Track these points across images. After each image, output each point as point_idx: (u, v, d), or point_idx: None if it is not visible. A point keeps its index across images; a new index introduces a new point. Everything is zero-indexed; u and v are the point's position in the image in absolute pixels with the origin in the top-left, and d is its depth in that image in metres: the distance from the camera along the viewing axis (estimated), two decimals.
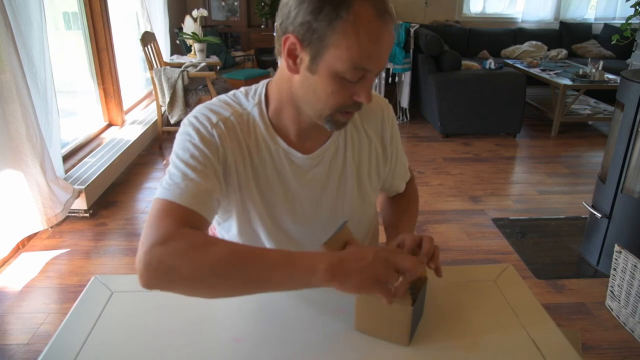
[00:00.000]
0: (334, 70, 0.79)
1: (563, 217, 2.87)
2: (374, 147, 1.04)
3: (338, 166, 1.00)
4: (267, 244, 1.01)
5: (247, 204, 0.96)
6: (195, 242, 0.73)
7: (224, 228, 1.02)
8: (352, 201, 1.02)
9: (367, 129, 1.03)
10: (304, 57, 0.81)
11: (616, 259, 1.97)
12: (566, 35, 6.07)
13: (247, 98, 0.96)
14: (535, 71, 4.72)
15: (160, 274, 0.71)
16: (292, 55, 0.82)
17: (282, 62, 0.86)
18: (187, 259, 0.71)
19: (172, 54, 4.92)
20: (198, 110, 0.92)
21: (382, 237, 1.14)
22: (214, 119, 0.89)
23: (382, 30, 0.78)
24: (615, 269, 1.98)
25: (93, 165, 3.01)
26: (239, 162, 0.91)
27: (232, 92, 0.98)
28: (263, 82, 0.97)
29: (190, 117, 0.91)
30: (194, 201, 0.79)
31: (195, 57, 4.52)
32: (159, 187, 0.83)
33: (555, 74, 4.58)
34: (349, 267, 0.70)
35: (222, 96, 0.97)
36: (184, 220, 0.77)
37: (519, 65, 5.01)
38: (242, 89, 0.98)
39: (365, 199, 1.05)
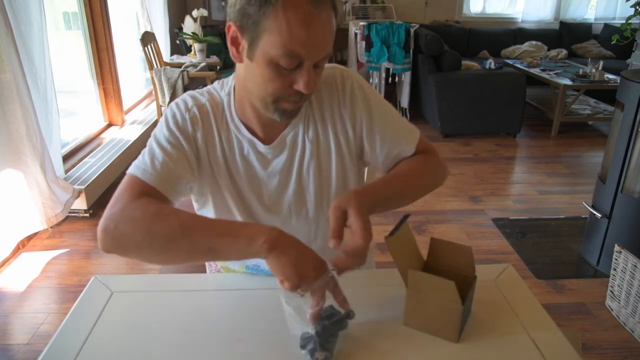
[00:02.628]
0: (269, 57, 0.78)
1: (563, 217, 2.87)
2: (332, 123, 0.98)
3: (298, 151, 0.98)
4: None
5: (222, 187, 0.99)
6: (148, 212, 0.80)
7: (203, 214, 1.05)
8: (315, 186, 1.00)
9: (322, 104, 0.98)
10: (244, 44, 0.82)
11: (616, 259, 1.97)
12: (566, 35, 6.07)
13: (221, 89, 0.99)
14: (535, 71, 4.72)
15: (116, 239, 0.80)
16: (234, 43, 0.83)
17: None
18: (140, 227, 0.79)
19: (172, 54, 4.92)
20: (182, 96, 0.98)
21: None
22: (190, 104, 0.95)
23: (314, 16, 0.76)
24: (615, 269, 1.98)
25: (93, 165, 3.00)
26: (210, 147, 0.96)
27: (215, 82, 1.02)
28: (235, 74, 0.97)
29: (174, 102, 0.97)
30: (157, 181, 0.86)
31: (195, 57, 4.53)
32: (137, 159, 0.91)
33: (555, 74, 4.58)
34: (286, 250, 0.75)
35: (208, 86, 1.01)
36: (145, 195, 0.84)
37: (519, 65, 5.01)
38: (221, 80, 1.01)
39: (329, 182, 1.01)
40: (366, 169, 1.28)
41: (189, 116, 0.94)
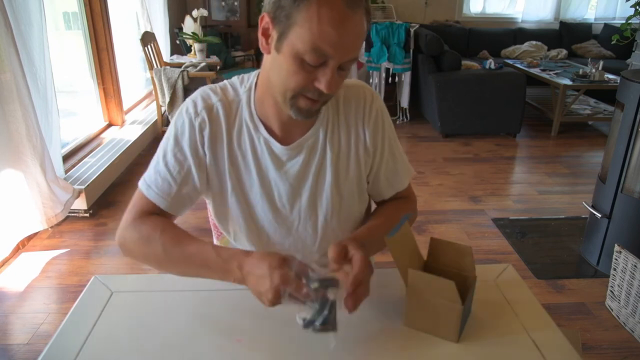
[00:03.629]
0: (296, 50, 0.79)
1: (563, 217, 2.87)
2: (355, 137, 0.99)
3: (317, 157, 0.98)
4: (242, 238, 1.04)
5: (227, 190, 0.99)
6: (141, 235, 0.91)
7: (209, 210, 1.10)
8: (330, 195, 0.99)
9: (348, 116, 0.99)
10: (274, 36, 0.82)
11: (616, 259, 1.97)
12: (566, 35, 6.07)
13: (242, 84, 0.98)
14: (535, 71, 4.72)
15: (126, 252, 0.95)
16: (265, 34, 0.84)
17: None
18: (137, 248, 0.92)
19: (172, 54, 4.92)
20: (194, 94, 0.99)
21: None
22: (200, 107, 0.95)
23: (347, 18, 0.76)
24: (615, 269, 1.98)
25: (93, 165, 3.00)
26: (219, 150, 0.96)
27: (235, 76, 1.01)
28: (257, 71, 0.97)
29: (185, 102, 0.98)
30: (160, 200, 0.94)
31: (195, 57, 4.53)
32: (146, 170, 0.97)
33: (555, 74, 4.58)
34: (249, 286, 0.80)
35: (226, 81, 1.01)
36: (149, 212, 0.95)
37: (519, 65, 5.01)
38: (241, 75, 1.01)
39: (343, 193, 1.01)
40: None
41: (198, 122, 0.94)
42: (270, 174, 0.98)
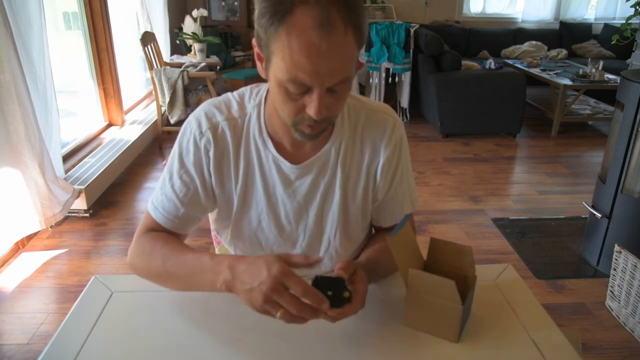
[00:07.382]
0: (279, 80, 0.76)
1: (563, 217, 2.87)
2: (369, 161, 0.97)
3: (327, 177, 0.95)
4: (247, 250, 1.03)
5: (230, 207, 0.98)
6: (143, 251, 0.93)
7: (211, 221, 1.09)
8: (337, 214, 0.98)
9: (365, 138, 0.96)
10: (264, 62, 0.80)
11: (616, 259, 1.97)
12: (566, 35, 6.07)
13: (250, 98, 0.95)
14: (535, 71, 4.72)
15: (135, 271, 0.96)
16: (259, 58, 0.81)
17: None
18: (141, 263, 0.94)
19: (172, 54, 4.92)
20: (198, 112, 0.95)
21: None
22: (204, 127, 0.92)
23: (320, 43, 0.70)
24: (615, 269, 1.98)
25: (93, 165, 3.01)
26: (225, 170, 0.95)
27: (242, 88, 0.98)
28: (267, 84, 0.91)
29: (189, 120, 0.95)
30: (166, 222, 0.95)
31: (195, 57, 4.53)
32: (154, 190, 0.98)
33: (555, 74, 4.58)
34: (238, 287, 0.77)
35: (230, 94, 0.97)
36: (152, 230, 0.97)
37: (519, 65, 5.01)
38: (252, 86, 0.97)
39: (349, 214, 0.99)
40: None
41: (203, 143, 0.92)
42: (278, 191, 0.96)
